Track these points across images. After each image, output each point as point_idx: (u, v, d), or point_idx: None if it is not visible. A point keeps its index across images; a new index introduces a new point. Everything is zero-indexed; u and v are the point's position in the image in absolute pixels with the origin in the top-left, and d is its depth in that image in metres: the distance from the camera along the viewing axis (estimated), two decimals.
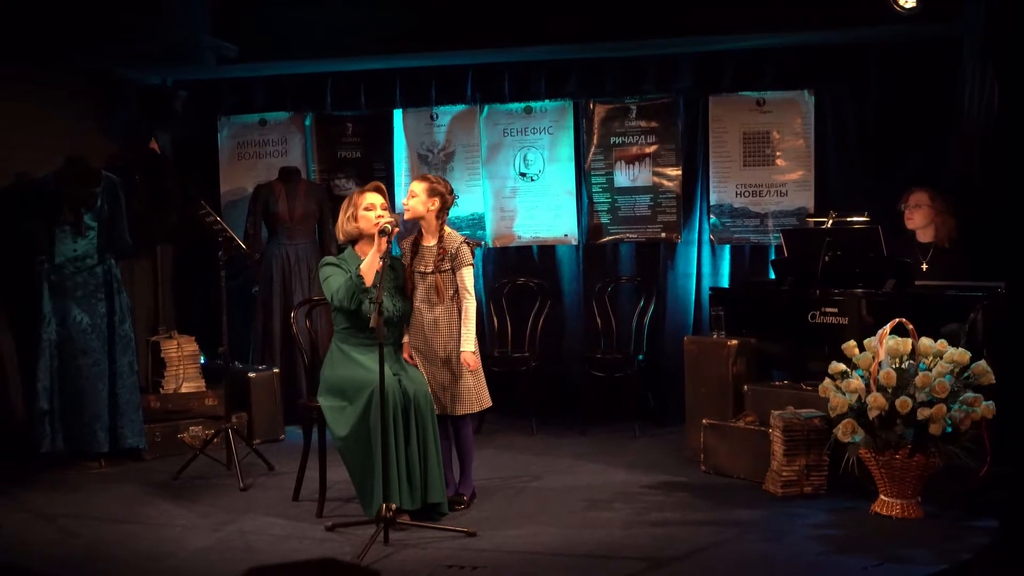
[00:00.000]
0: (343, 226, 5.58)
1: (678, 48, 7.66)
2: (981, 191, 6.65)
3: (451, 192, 5.66)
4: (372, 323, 5.02)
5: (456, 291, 5.59)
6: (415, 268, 5.62)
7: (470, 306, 5.59)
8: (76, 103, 7.39)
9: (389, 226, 5.32)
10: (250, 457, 6.58)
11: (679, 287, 7.96)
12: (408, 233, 5.73)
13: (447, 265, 5.57)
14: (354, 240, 5.57)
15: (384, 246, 5.30)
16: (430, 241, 5.63)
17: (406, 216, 5.65)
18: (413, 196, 5.59)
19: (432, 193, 5.58)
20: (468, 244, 5.65)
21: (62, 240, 6.60)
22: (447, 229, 5.65)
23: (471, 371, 5.57)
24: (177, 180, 7.96)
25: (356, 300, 5.37)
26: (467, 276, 5.61)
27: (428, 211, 5.59)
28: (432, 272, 5.56)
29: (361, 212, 5.51)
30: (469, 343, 5.55)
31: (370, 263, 5.38)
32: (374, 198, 5.53)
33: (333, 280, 5.45)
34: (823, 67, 7.56)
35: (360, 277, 5.36)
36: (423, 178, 5.66)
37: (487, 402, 5.69)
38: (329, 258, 5.62)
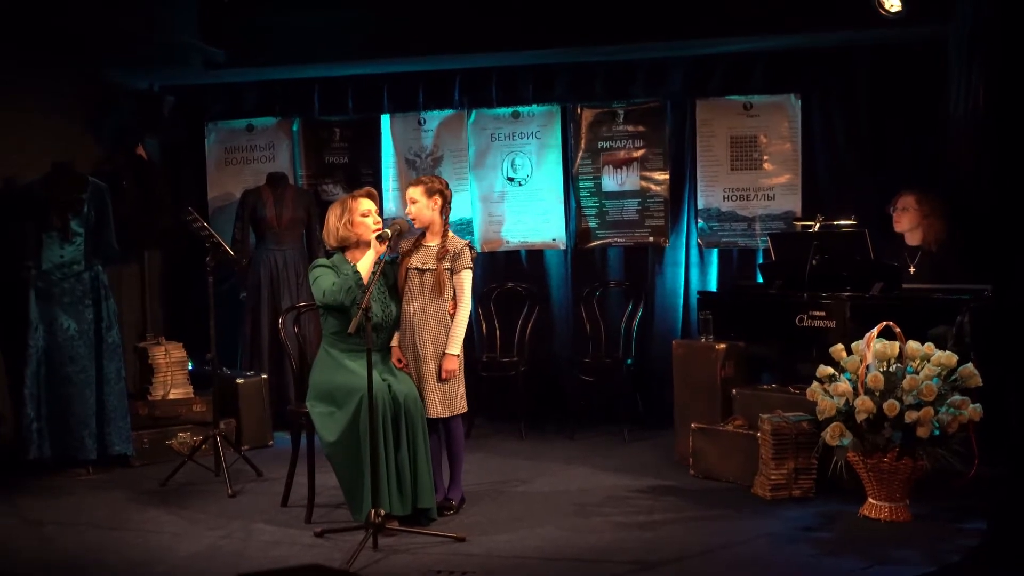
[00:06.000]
0: (337, 231, 5.54)
1: (665, 52, 7.67)
2: (970, 193, 6.67)
3: (448, 187, 5.67)
4: (351, 328, 5.01)
5: (453, 292, 5.59)
6: (412, 265, 5.59)
7: (464, 310, 5.58)
8: (63, 108, 7.35)
9: (388, 233, 5.33)
10: (238, 463, 6.57)
11: (667, 291, 7.97)
12: (411, 235, 5.70)
13: (448, 264, 5.56)
14: (345, 246, 5.56)
15: (382, 251, 5.33)
16: (433, 240, 5.62)
17: (416, 225, 5.62)
18: (414, 202, 5.57)
19: (431, 193, 5.57)
20: (471, 249, 5.65)
21: (49, 246, 6.57)
22: (450, 232, 5.65)
23: (447, 376, 5.54)
24: (164, 186, 7.95)
25: (351, 295, 5.34)
26: (466, 279, 5.60)
27: (433, 211, 5.58)
28: (432, 269, 5.53)
29: (357, 218, 5.50)
30: (455, 346, 5.53)
31: (369, 264, 5.38)
32: (370, 204, 5.54)
33: (324, 279, 5.42)
34: (810, 71, 7.58)
35: (358, 274, 5.36)
36: (418, 182, 5.63)
37: (461, 407, 5.63)
38: (321, 260, 5.61)
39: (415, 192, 5.58)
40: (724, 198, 7.79)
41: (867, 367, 5.33)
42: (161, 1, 7.38)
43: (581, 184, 8.05)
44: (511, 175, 8.14)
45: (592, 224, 8.05)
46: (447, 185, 5.67)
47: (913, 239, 6.77)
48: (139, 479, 6.53)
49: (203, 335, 6.65)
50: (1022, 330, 5.21)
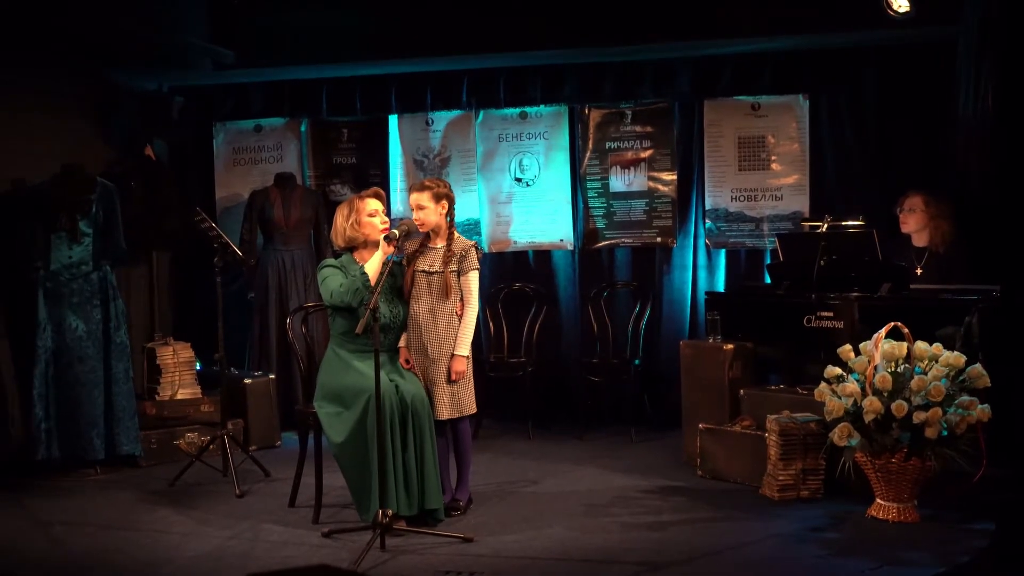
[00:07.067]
0: (345, 231, 5.54)
1: (673, 53, 7.67)
2: (978, 194, 6.66)
3: (451, 190, 5.66)
4: (359, 329, 5.01)
5: (461, 293, 5.58)
6: (419, 267, 5.59)
7: (471, 311, 5.57)
8: (71, 109, 7.37)
9: (396, 233, 5.34)
10: (246, 463, 6.57)
11: (675, 292, 7.96)
12: (417, 235, 5.69)
13: (454, 267, 5.56)
14: (353, 246, 5.57)
15: (390, 251, 5.35)
16: (439, 243, 5.62)
17: (421, 229, 5.59)
18: (421, 208, 5.54)
19: (438, 198, 5.56)
20: (477, 250, 5.65)
21: (58, 247, 6.59)
22: (456, 233, 5.65)
23: (457, 377, 5.53)
24: (173, 186, 7.95)
25: (359, 296, 5.35)
26: (473, 280, 5.59)
27: (440, 216, 5.58)
28: (439, 272, 5.54)
29: (365, 219, 5.50)
30: (463, 347, 5.53)
31: (377, 265, 5.39)
32: (377, 204, 5.54)
33: (332, 280, 5.43)
34: (818, 71, 7.57)
35: (365, 275, 5.37)
36: (423, 187, 5.60)
37: (470, 409, 5.62)
38: (329, 260, 5.62)
39: (422, 198, 5.55)
40: (732, 198, 7.78)
41: (875, 368, 5.32)
42: (169, 2, 7.40)
43: (589, 185, 8.05)
44: (519, 176, 8.14)
45: (600, 225, 8.05)
46: (451, 188, 5.67)
47: (920, 240, 6.76)
48: (147, 479, 6.54)
49: (211, 335, 6.66)
50: None
